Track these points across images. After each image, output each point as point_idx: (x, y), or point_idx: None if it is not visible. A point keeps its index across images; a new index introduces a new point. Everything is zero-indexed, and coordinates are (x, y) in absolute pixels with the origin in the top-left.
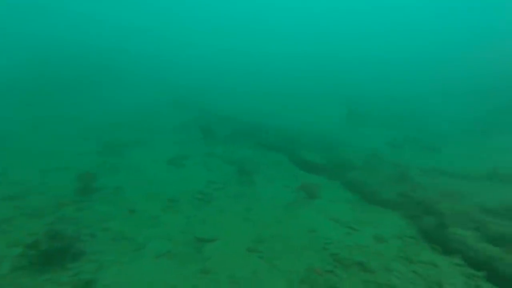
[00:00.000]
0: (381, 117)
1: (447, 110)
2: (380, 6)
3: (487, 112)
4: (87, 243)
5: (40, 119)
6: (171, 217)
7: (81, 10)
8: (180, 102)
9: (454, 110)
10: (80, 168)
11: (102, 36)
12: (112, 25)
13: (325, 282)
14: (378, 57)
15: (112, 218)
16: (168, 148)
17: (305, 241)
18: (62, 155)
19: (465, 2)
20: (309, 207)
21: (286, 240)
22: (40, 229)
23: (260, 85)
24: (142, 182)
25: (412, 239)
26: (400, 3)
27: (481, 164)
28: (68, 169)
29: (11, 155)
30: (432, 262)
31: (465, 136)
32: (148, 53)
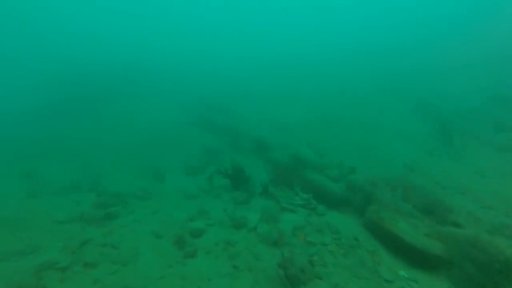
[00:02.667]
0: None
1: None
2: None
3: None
4: None
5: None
6: None
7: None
8: (205, 120)
9: (403, 120)
10: None
11: (112, 53)
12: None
13: None
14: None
15: None
16: (176, 208)
17: None
18: None
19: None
20: None
21: None
22: None
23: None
24: None
25: None
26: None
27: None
28: None
29: None
30: None
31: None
32: (163, 66)
